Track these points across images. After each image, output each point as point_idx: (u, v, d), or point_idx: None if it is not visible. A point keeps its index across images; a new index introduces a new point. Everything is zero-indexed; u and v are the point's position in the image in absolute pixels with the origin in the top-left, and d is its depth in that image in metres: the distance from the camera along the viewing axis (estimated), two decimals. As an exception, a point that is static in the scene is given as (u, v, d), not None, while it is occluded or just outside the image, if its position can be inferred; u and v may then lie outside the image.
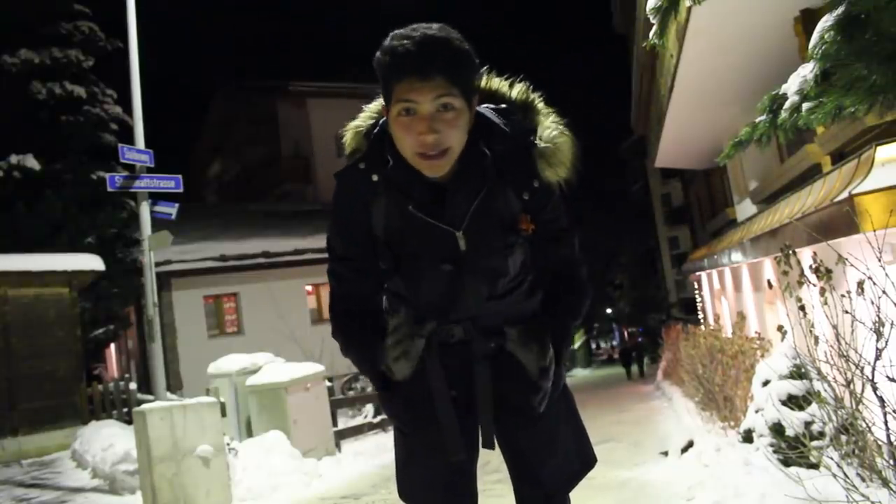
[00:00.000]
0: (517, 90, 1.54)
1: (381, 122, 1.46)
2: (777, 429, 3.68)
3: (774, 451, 3.59)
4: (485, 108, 1.47)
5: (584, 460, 1.63)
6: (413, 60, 1.27)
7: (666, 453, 6.16)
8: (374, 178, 1.42)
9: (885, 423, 2.48)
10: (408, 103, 1.30)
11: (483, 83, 1.54)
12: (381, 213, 1.44)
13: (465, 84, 1.33)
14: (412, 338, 1.48)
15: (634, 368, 25.49)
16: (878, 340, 2.37)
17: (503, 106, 1.50)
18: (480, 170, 1.41)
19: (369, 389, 10.30)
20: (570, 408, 1.65)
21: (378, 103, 1.50)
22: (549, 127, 1.46)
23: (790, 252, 2.82)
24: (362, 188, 1.44)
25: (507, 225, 1.44)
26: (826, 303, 2.60)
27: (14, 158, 11.87)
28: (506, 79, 1.57)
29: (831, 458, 2.80)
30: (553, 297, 1.55)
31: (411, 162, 1.36)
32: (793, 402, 3.65)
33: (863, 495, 2.46)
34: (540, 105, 1.53)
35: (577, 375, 36.81)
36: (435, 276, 1.45)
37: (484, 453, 1.62)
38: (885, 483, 2.48)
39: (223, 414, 6.52)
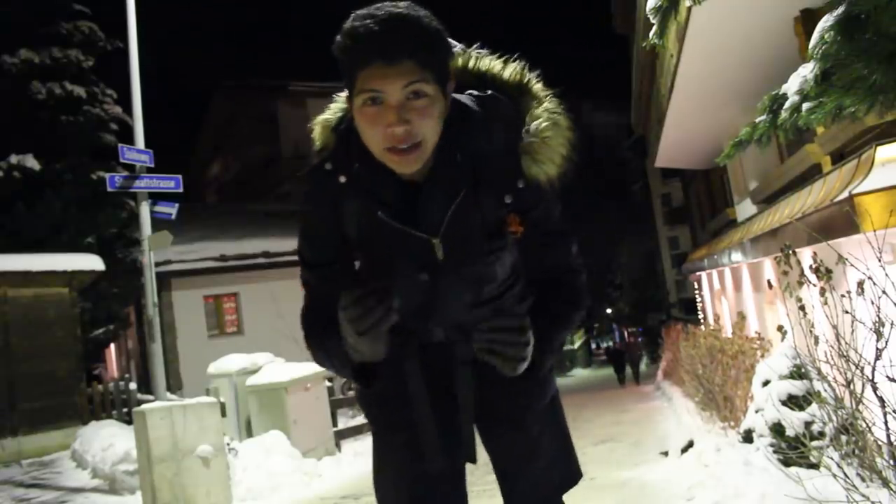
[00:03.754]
0: (511, 70, 1.36)
1: (349, 115, 1.28)
2: (777, 429, 3.68)
3: (774, 451, 3.59)
4: (465, 96, 1.30)
5: (566, 476, 1.50)
6: (378, 42, 1.11)
7: (666, 453, 6.16)
8: (342, 179, 1.28)
9: (885, 423, 2.48)
10: (373, 92, 1.14)
11: (470, 64, 1.38)
12: (353, 216, 1.30)
13: (438, 68, 1.18)
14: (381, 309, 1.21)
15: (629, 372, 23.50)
16: (878, 340, 2.37)
17: (489, 92, 1.32)
18: (458, 167, 1.25)
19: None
20: (558, 419, 1.53)
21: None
22: (539, 117, 1.28)
23: (790, 252, 2.82)
24: (330, 191, 1.29)
25: (492, 228, 1.29)
26: (826, 303, 2.60)
27: (14, 158, 11.85)
28: (499, 57, 1.39)
29: (831, 458, 2.80)
30: (544, 306, 1.37)
31: (380, 158, 1.20)
32: (793, 402, 3.65)
33: (863, 495, 2.46)
34: (536, 88, 1.34)
35: (578, 375, 36.79)
36: (411, 286, 1.31)
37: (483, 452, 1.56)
38: (885, 483, 2.48)
39: (223, 414, 6.52)
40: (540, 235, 1.34)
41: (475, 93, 1.32)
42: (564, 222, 1.38)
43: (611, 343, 43.67)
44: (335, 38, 1.18)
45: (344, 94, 1.34)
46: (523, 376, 1.32)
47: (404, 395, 1.38)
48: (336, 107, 1.38)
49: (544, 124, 1.28)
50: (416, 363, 1.38)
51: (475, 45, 1.40)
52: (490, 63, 1.38)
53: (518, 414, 1.44)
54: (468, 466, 1.49)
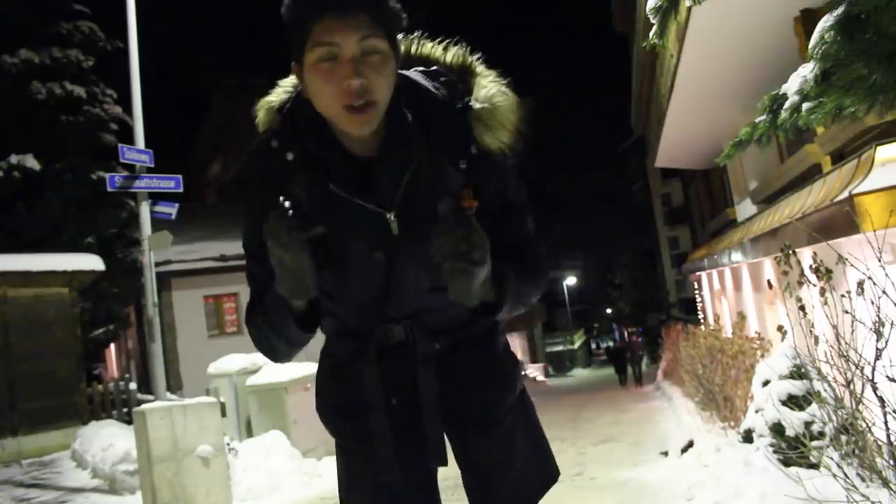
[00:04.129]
0: (452, 54, 1.36)
1: (295, 96, 1.29)
2: (777, 429, 3.68)
3: (774, 451, 3.59)
4: (411, 72, 1.30)
5: (545, 475, 1.45)
6: None
7: (666, 453, 6.17)
8: (289, 156, 1.24)
9: (885, 423, 2.48)
10: (329, 46, 1.13)
11: (413, 49, 1.38)
12: (301, 197, 1.21)
13: (390, 28, 1.18)
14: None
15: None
16: (878, 340, 2.37)
17: (433, 68, 1.32)
18: (409, 139, 1.23)
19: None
20: (529, 417, 1.45)
21: (293, 79, 1.32)
22: (486, 87, 1.28)
23: (790, 252, 2.82)
24: (276, 169, 1.25)
25: (447, 201, 1.22)
26: (826, 303, 2.60)
27: (14, 158, 11.85)
28: (439, 42, 1.38)
29: (831, 458, 2.80)
30: (505, 262, 1.28)
31: (335, 121, 1.18)
32: (793, 402, 3.66)
33: (863, 495, 2.46)
34: (480, 68, 1.34)
35: (578, 375, 36.84)
36: (366, 267, 1.26)
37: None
38: (885, 483, 2.48)
39: (223, 414, 6.52)
40: (497, 206, 1.29)
41: (421, 69, 1.32)
42: (522, 194, 1.34)
43: (611, 343, 43.55)
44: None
45: (287, 80, 1.34)
46: (493, 365, 1.36)
47: (364, 404, 1.33)
48: (280, 90, 1.36)
49: (492, 91, 1.27)
50: (375, 370, 1.32)
51: (416, 33, 1.39)
52: (432, 49, 1.38)
53: (489, 412, 1.37)
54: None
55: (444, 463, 1.33)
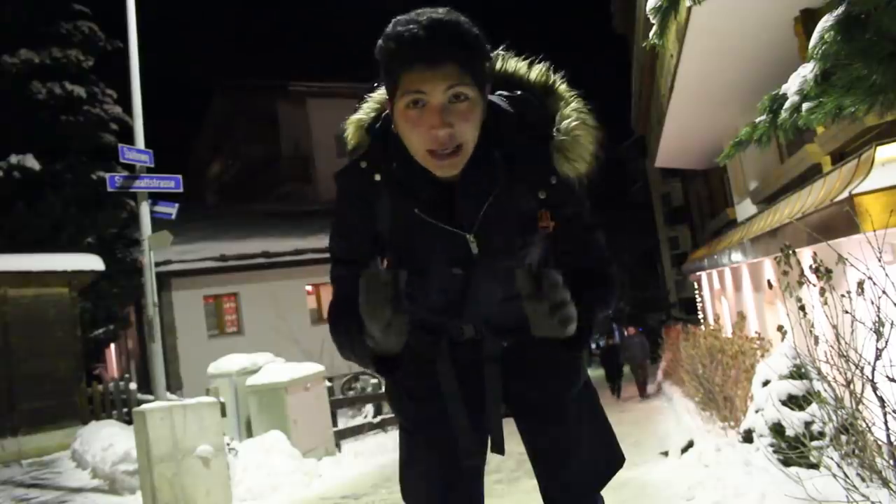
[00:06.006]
0: (536, 71, 1.40)
1: (384, 115, 1.34)
2: (777, 429, 3.68)
3: (774, 451, 3.59)
4: (497, 97, 1.34)
5: (610, 460, 1.53)
6: (422, 46, 1.15)
7: (666, 453, 6.17)
8: (377, 177, 1.31)
9: (885, 423, 2.48)
10: (417, 94, 1.17)
11: (498, 66, 1.41)
12: (386, 214, 1.33)
13: (478, 71, 1.21)
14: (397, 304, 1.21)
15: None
16: (878, 340, 2.37)
17: (518, 93, 1.36)
18: (492, 167, 1.29)
19: (369, 390, 10.30)
20: (593, 406, 1.55)
21: (381, 93, 1.36)
22: (569, 116, 1.33)
23: (790, 252, 2.82)
24: (364, 188, 1.32)
25: (524, 224, 1.32)
26: (826, 303, 2.60)
27: (14, 158, 11.84)
28: (524, 59, 1.43)
29: (831, 458, 2.80)
30: (580, 288, 1.31)
31: (421, 161, 1.24)
32: (793, 402, 3.65)
33: (863, 495, 2.46)
34: (562, 88, 1.38)
35: (577, 375, 36.66)
36: (445, 280, 1.35)
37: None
38: (885, 483, 2.48)
39: (223, 414, 6.52)
40: (574, 231, 1.36)
41: (505, 93, 1.35)
42: (593, 217, 1.42)
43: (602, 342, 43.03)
44: (377, 42, 1.21)
45: (375, 94, 1.39)
46: (556, 358, 1.39)
47: (435, 392, 1.43)
48: (368, 107, 1.39)
49: (574, 123, 1.32)
50: (448, 362, 1.42)
51: (501, 47, 1.42)
52: (516, 65, 1.42)
53: (553, 402, 1.47)
54: (494, 459, 1.52)
55: (503, 452, 1.44)
